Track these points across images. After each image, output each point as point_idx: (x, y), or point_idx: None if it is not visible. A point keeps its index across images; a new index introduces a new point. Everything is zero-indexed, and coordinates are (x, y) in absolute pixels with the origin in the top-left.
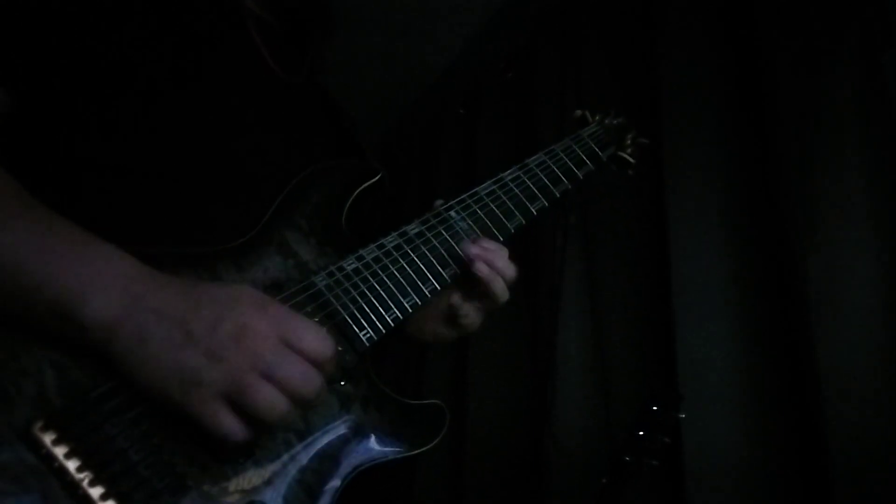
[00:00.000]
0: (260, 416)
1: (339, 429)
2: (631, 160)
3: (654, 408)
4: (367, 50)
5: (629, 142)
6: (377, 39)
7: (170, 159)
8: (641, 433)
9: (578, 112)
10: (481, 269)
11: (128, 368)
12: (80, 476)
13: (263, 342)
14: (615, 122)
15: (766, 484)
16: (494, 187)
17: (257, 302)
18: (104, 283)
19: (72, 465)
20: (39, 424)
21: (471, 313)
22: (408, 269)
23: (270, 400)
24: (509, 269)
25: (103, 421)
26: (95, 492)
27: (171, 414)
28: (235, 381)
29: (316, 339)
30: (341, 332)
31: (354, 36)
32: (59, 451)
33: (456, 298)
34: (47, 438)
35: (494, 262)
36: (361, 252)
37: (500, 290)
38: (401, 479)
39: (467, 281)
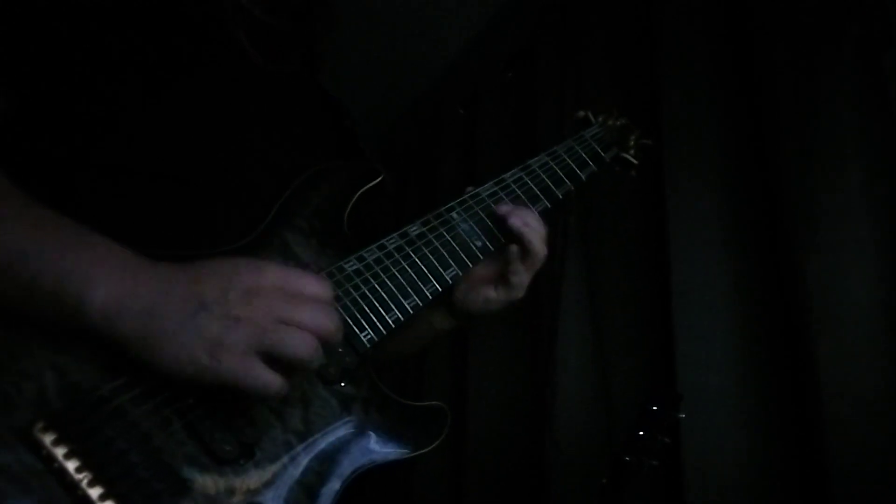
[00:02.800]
0: (295, 357)
1: (340, 430)
2: (634, 161)
3: (654, 408)
4: (368, 49)
5: (632, 142)
6: (377, 39)
7: (170, 160)
8: (641, 433)
9: (581, 113)
10: (515, 221)
11: (141, 350)
12: (80, 476)
13: (273, 297)
14: (618, 122)
15: (766, 484)
16: (496, 188)
17: (255, 266)
18: (104, 270)
19: (71, 465)
20: (40, 425)
21: (520, 271)
22: (409, 270)
23: (300, 341)
24: (539, 225)
25: (103, 423)
26: (94, 492)
27: (171, 414)
28: (260, 334)
29: (316, 282)
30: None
31: (354, 35)
32: (59, 452)
33: (508, 256)
34: (47, 439)
35: (526, 217)
36: (362, 253)
37: (536, 241)
38: (401, 480)
39: (511, 243)
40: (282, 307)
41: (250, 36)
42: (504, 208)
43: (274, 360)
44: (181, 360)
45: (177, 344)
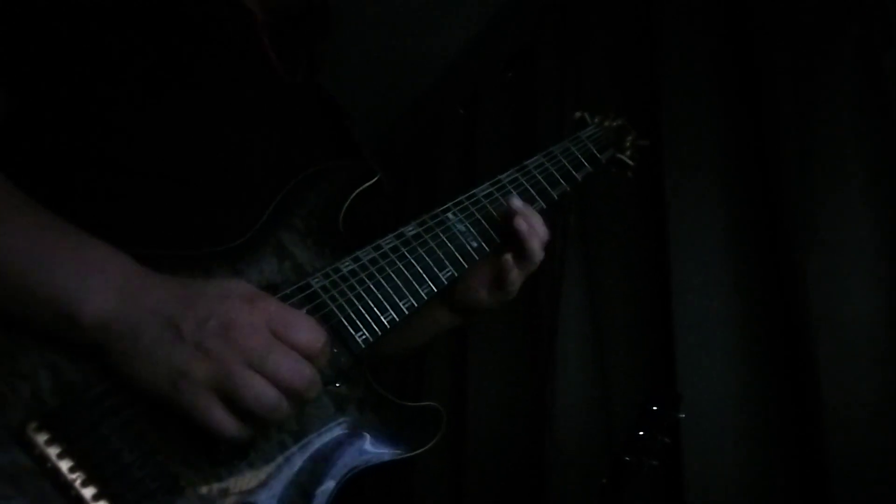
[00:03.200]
0: (249, 407)
1: (335, 430)
2: (630, 162)
3: (654, 408)
4: (368, 49)
5: (628, 144)
6: (377, 39)
7: (169, 160)
8: (641, 433)
9: (578, 114)
10: (520, 223)
11: (121, 366)
12: (73, 476)
13: (251, 335)
14: (615, 123)
15: (766, 484)
16: (492, 189)
17: (246, 296)
18: (100, 281)
19: (64, 465)
20: (33, 425)
21: (514, 275)
22: (404, 271)
23: (258, 391)
24: (543, 230)
25: (97, 422)
26: (88, 492)
27: (165, 415)
28: (222, 373)
29: (306, 330)
30: (337, 334)
31: (355, 35)
32: (52, 452)
33: (505, 259)
34: (40, 439)
35: (532, 221)
36: (358, 254)
37: (537, 247)
38: (398, 480)
39: (507, 244)
40: (258, 349)
41: (263, 36)
42: (516, 204)
43: (232, 402)
44: (146, 381)
45: (146, 367)
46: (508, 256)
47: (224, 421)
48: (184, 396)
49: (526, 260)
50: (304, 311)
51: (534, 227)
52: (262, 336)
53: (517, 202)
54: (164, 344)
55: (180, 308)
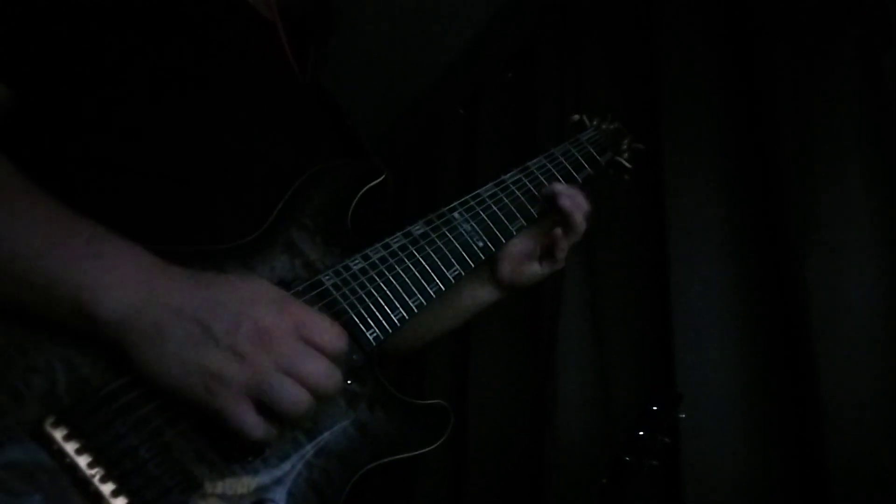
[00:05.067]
0: (284, 412)
1: (347, 428)
2: (627, 165)
3: (654, 408)
4: (368, 50)
5: (625, 147)
6: (377, 39)
7: (175, 158)
8: (641, 433)
9: (576, 116)
10: (565, 201)
11: (145, 365)
12: (92, 472)
13: (284, 341)
14: (612, 126)
15: (766, 484)
16: (496, 189)
17: (275, 300)
18: (119, 278)
19: (83, 461)
20: (51, 420)
21: (563, 244)
22: (413, 269)
23: (294, 396)
24: (585, 203)
25: (113, 418)
26: (107, 488)
27: (181, 412)
28: (259, 380)
29: (332, 334)
30: (348, 332)
31: (354, 36)
32: (71, 448)
33: (556, 233)
34: (58, 434)
35: (575, 197)
36: (367, 252)
37: (581, 219)
38: (402, 479)
39: (552, 220)
40: (290, 355)
41: (282, 35)
42: (558, 186)
43: (264, 405)
44: (176, 382)
45: (175, 367)
46: (559, 231)
47: (256, 425)
48: (217, 399)
49: (572, 232)
50: (317, 307)
51: (577, 203)
52: (294, 341)
53: (558, 185)
54: (196, 346)
55: (209, 308)
